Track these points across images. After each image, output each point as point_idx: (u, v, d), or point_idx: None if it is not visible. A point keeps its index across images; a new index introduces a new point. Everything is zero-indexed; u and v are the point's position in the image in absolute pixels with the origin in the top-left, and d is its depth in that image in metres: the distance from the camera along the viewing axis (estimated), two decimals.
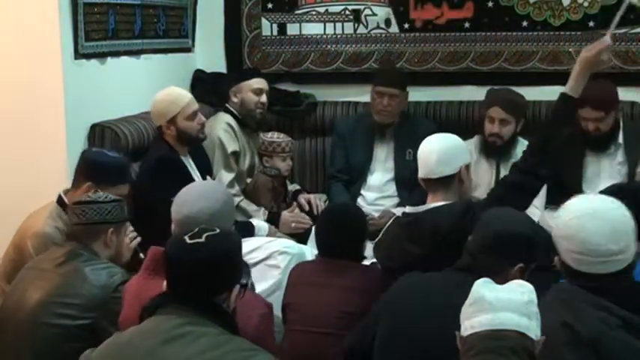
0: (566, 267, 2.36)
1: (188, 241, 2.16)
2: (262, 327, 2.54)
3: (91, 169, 3.30)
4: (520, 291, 2.11)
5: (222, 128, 4.29)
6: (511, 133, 4.29)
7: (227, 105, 4.45)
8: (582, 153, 4.31)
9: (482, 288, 2.14)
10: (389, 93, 4.49)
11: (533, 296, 2.11)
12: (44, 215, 3.25)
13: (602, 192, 2.98)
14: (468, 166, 3.18)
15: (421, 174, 3.16)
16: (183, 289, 2.13)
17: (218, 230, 2.20)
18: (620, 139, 4.28)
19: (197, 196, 2.66)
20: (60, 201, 3.30)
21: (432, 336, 2.41)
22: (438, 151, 3.14)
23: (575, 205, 2.38)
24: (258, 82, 4.44)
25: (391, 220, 3.34)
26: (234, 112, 4.41)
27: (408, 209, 3.19)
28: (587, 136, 4.22)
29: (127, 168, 3.42)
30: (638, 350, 2.19)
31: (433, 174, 3.11)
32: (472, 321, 2.09)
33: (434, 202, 3.10)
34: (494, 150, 4.31)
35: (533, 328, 2.07)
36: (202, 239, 2.16)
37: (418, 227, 3.03)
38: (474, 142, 4.40)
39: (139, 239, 3.16)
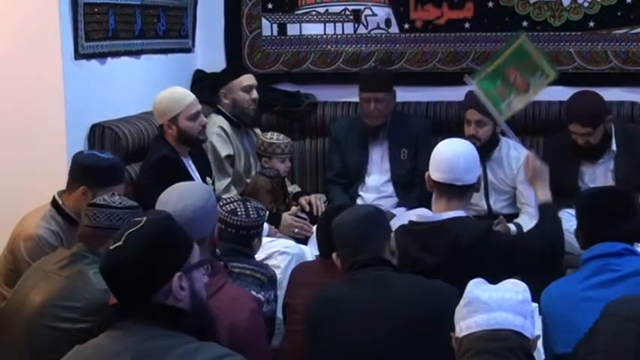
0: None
1: (110, 247, 2.06)
2: (252, 322, 2.55)
3: (83, 172, 3.27)
4: (514, 290, 2.11)
5: (214, 133, 4.28)
6: (489, 134, 4.26)
7: (219, 106, 4.45)
8: (578, 162, 4.31)
9: (477, 288, 2.14)
10: (374, 97, 4.49)
11: (528, 295, 2.12)
12: (38, 217, 3.23)
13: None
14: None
15: (443, 179, 3.06)
16: (121, 296, 2.03)
17: (143, 221, 2.08)
18: (614, 147, 4.28)
19: (180, 196, 2.67)
20: (54, 203, 3.28)
21: (377, 340, 2.47)
22: (466, 157, 3.09)
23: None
24: (247, 79, 4.45)
25: (396, 227, 3.31)
26: (227, 113, 4.42)
27: (417, 218, 3.13)
28: (579, 147, 4.23)
29: (121, 168, 3.39)
30: None
31: (459, 181, 3.04)
32: (468, 321, 2.09)
33: (450, 211, 3.03)
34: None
35: (528, 327, 2.08)
36: (121, 242, 2.04)
37: (437, 236, 2.97)
38: None
39: None
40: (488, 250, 2.87)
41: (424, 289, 2.58)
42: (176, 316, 2.02)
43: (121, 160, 3.48)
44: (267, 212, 4.22)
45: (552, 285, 2.73)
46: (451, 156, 3.08)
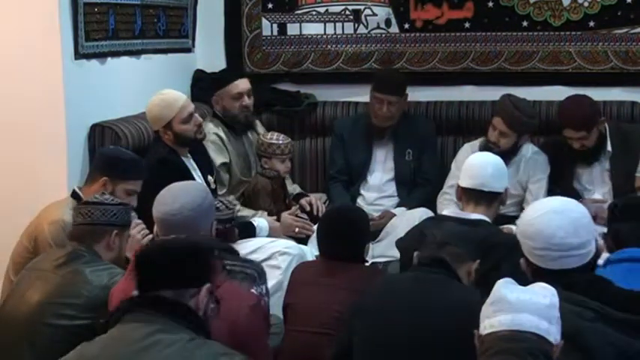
0: (533, 267, 2.40)
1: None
2: (252, 319, 2.55)
3: (107, 163, 3.36)
4: (542, 294, 2.11)
5: (209, 140, 4.23)
6: (510, 145, 4.24)
7: (214, 110, 4.44)
8: (573, 164, 4.32)
9: (504, 288, 2.13)
10: (388, 100, 4.48)
11: (556, 300, 2.10)
12: (64, 205, 3.28)
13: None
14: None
15: (470, 184, 3.21)
16: (152, 281, 2.12)
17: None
18: (609, 147, 4.28)
19: (176, 195, 2.69)
20: (75, 195, 3.33)
21: (409, 335, 2.46)
22: (494, 165, 3.25)
23: (536, 206, 2.47)
24: (237, 86, 4.36)
25: (396, 226, 3.38)
26: (221, 117, 4.39)
27: (447, 213, 3.27)
28: (575, 151, 4.23)
29: (142, 164, 3.47)
30: (616, 340, 2.20)
31: (485, 186, 3.19)
32: (492, 320, 2.09)
33: (477, 214, 3.17)
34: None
35: (553, 332, 2.06)
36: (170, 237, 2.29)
37: (467, 228, 3.09)
38: (478, 143, 4.39)
39: (151, 235, 3.18)
40: (510, 260, 2.92)
41: (469, 305, 2.57)
42: (187, 313, 2.09)
43: (142, 158, 3.54)
44: (266, 212, 4.23)
45: None
46: (480, 163, 3.26)
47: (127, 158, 3.40)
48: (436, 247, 2.67)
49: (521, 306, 2.07)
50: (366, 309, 2.60)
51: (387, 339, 2.50)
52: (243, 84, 4.40)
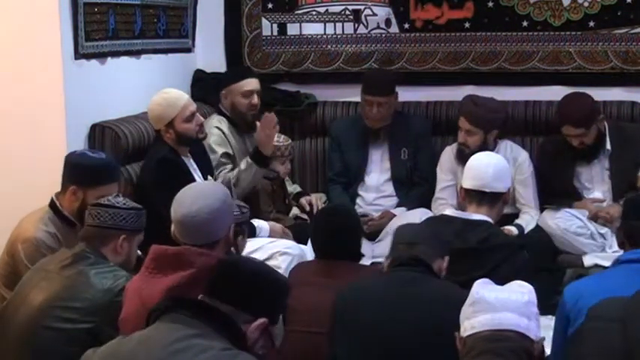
0: None
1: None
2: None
3: (73, 171, 3.26)
4: (520, 291, 2.12)
5: (212, 134, 4.23)
6: (478, 143, 4.24)
7: (220, 106, 4.44)
8: (573, 162, 4.32)
9: (482, 288, 2.14)
10: (377, 101, 4.49)
11: (533, 296, 2.12)
12: (37, 220, 3.22)
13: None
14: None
15: (472, 185, 3.22)
16: (223, 291, 2.11)
17: None
18: (608, 146, 4.29)
19: (195, 196, 2.65)
20: (52, 205, 3.27)
21: (396, 337, 2.47)
22: (495, 166, 3.26)
23: None
24: (248, 84, 4.37)
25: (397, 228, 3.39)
26: (227, 113, 4.39)
27: (450, 212, 3.28)
28: (574, 149, 4.23)
29: (112, 167, 3.34)
30: None
31: (486, 187, 3.20)
32: (472, 321, 2.10)
33: (479, 214, 3.18)
34: (463, 157, 4.09)
35: (533, 329, 2.08)
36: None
37: (470, 229, 3.11)
38: (453, 147, 4.41)
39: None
40: (511, 261, 3.02)
41: (455, 297, 2.58)
42: (230, 325, 2.06)
43: (113, 160, 3.45)
44: (248, 211, 4.19)
45: (583, 280, 2.76)
46: (481, 164, 3.26)
47: (92, 164, 3.24)
48: (406, 247, 2.69)
49: (500, 305, 2.08)
50: (349, 319, 2.60)
51: (381, 343, 2.50)
52: (255, 83, 4.41)
